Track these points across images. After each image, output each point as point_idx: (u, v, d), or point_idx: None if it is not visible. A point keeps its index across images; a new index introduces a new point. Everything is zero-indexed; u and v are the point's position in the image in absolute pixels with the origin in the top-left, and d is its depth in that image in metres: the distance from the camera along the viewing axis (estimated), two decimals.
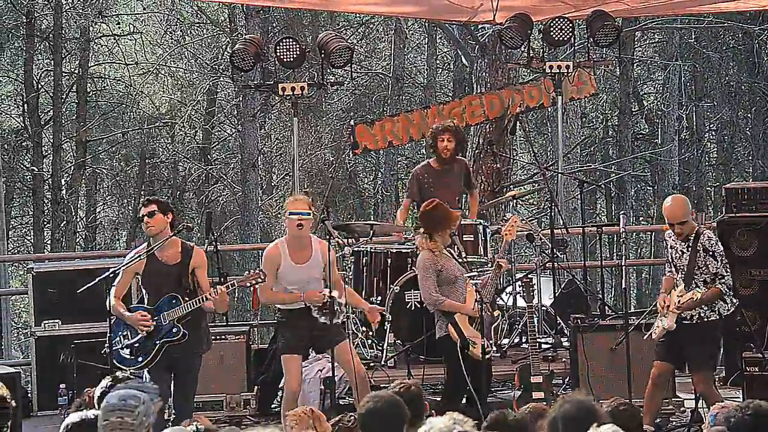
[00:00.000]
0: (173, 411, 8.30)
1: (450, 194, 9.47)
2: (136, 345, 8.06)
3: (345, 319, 9.04)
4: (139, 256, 8.12)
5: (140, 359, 8.05)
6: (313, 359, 9.49)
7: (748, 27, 19.12)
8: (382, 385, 9.30)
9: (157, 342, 8.03)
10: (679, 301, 8.12)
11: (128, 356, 8.07)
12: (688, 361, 8.31)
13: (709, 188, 23.00)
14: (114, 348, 8.08)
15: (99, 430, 5.08)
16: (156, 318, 8.04)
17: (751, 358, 9.08)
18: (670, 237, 8.35)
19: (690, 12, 16.18)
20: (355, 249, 9.92)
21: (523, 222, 10.28)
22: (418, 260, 8.60)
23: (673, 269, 8.32)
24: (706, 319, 8.26)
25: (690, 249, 8.19)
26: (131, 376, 7.18)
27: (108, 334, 8.11)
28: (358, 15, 20.80)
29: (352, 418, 5.81)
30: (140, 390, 5.23)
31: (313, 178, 19.50)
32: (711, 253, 8.21)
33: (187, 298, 8.01)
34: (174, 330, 8.01)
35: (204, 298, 7.96)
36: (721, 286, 8.18)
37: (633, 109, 22.06)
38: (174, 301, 8.02)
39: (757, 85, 20.67)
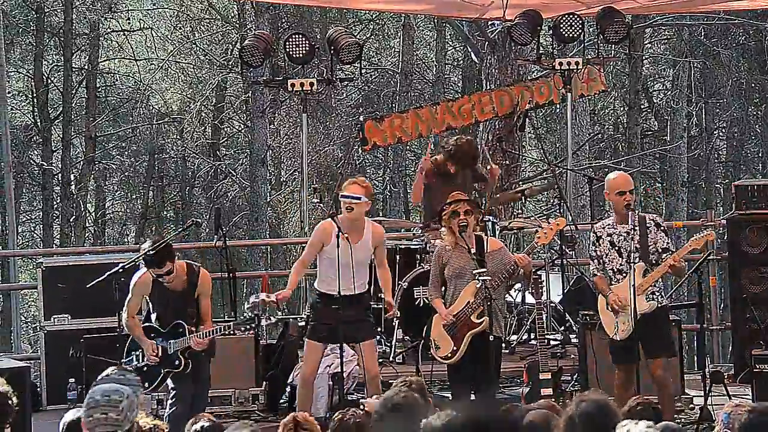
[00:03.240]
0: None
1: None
2: (144, 370, 8.19)
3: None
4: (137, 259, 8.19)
5: (147, 385, 8.16)
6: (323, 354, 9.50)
7: (758, 24, 19.07)
8: (390, 381, 9.33)
9: (162, 371, 8.20)
10: (675, 257, 8.06)
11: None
12: (646, 347, 8.18)
13: (718, 185, 22.95)
14: (128, 365, 8.21)
15: (82, 426, 5.00)
16: (164, 346, 8.17)
17: (761, 356, 9.05)
18: (606, 227, 8.28)
19: (701, 10, 16.16)
20: None
21: (532, 219, 10.26)
22: None
23: (612, 256, 8.19)
24: (660, 305, 8.25)
25: (637, 229, 8.17)
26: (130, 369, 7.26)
27: (121, 341, 8.22)
28: (367, 11, 20.80)
29: (354, 414, 5.79)
30: (124, 384, 5.14)
31: (322, 174, 19.50)
32: (663, 228, 8.26)
33: (192, 328, 8.12)
34: (176, 362, 8.17)
35: (188, 339, 8.10)
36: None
37: (642, 106, 22.01)
38: (180, 330, 8.15)
39: (767, 82, 20.62)
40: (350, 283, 8.19)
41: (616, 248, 8.22)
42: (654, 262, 8.19)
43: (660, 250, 8.21)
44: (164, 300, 8.18)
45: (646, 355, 8.23)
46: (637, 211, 8.40)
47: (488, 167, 10.16)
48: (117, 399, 4.96)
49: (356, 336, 8.34)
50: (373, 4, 14.31)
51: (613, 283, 8.26)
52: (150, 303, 8.29)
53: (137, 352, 8.25)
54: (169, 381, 8.26)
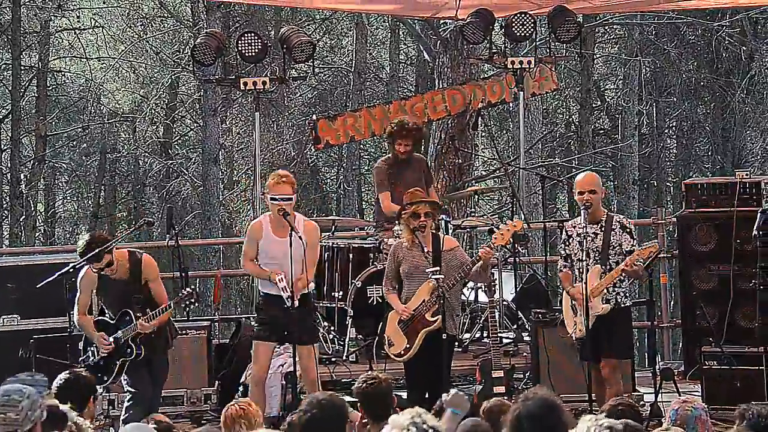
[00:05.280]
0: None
1: (407, 188, 9.45)
2: (101, 364, 8.20)
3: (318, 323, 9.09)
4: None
5: (105, 378, 8.20)
6: (275, 354, 9.46)
7: (707, 23, 19.25)
8: (344, 380, 9.32)
9: (117, 361, 8.18)
10: (628, 262, 8.09)
11: (96, 374, 8.12)
12: (600, 346, 8.21)
13: (668, 183, 23.14)
14: (85, 363, 8.22)
15: None
16: (115, 337, 8.13)
17: (710, 353, 9.12)
18: (575, 226, 8.35)
19: (651, 10, 16.27)
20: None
21: (485, 217, 10.29)
22: None
23: (580, 255, 8.25)
24: (622, 305, 8.32)
25: (603, 230, 8.27)
26: (83, 369, 7.22)
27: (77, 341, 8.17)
28: (320, 10, 20.74)
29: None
30: (28, 384, 5.14)
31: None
32: (629, 230, 8.31)
33: (139, 314, 8.07)
34: (128, 350, 8.13)
35: (135, 326, 8.06)
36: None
37: (594, 105, 22.15)
38: (127, 318, 8.13)
39: (716, 81, 20.80)
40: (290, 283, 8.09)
41: (583, 249, 8.28)
42: (617, 264, 8.24)
43: (625, 252, 8.25)
44: (110, 291, 8.15)
45: (600, 354, 8.28)
46: (605, 211, 8.47)
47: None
48: (17, 399, 4.98)
49: (296, 339, 8.19)
50: (336, 5, 14.28)
51: (577, 282, 8.31)
52: (98, 297, 8.25)
53: (92, 348, 8.22)
54: (125, 383, 8.20)
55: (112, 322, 8.19)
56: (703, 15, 18.93)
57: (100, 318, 8.32)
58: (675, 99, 21.18)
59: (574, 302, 8.32)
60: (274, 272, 8.13)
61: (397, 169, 9.87)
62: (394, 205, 9.61)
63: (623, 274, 8.21)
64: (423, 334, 8.24)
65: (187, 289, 8.21)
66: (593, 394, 8.31)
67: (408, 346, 8.27)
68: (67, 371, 6.51)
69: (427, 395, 8.26)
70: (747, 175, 10.01)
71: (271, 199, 8.18)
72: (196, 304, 8.31)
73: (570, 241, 8.39)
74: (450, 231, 9.99)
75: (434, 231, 8.45)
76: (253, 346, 8.46)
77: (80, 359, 8.24)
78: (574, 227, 8.40)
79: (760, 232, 9.14)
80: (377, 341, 9.19)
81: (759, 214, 9.27)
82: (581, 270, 8.25)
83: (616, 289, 8.28)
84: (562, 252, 8.47)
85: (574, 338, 8.38)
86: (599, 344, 8.22)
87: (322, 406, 5.18)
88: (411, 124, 9.85)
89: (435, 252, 8.25)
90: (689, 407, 6.13)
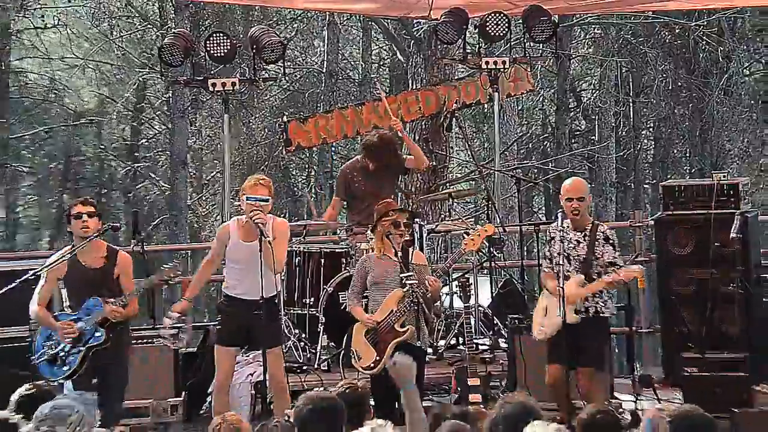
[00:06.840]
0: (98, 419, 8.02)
1: (378, 193, 9.30)
2: (62, 354, 7.89)
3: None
4: (63, 257, 7.87)
5: (66, 368, 7.89)
6: (244, 363, 9.26)
7: (684, 23, 19.17)
8: (315, 389, 9.08)
9: (82, 348, 7.86)
10: (613, 276, 8.02)
11: (54, 366, 7.87)
12: (579, 355, 8.11)
13: (646, 185, 23.05)
14: (40, 359, 7.94)
15: None
16: (79, 324, 7.80)
17: (690, 359, 9.02)
18: (560, 230, 8.24)
19: (627, 10, 16.17)
20: (288, 249, 9.68)
21: (459, 221, 10.17)
22: None
23: (563, 262, 8.12)
24: (601, 314, 8.24)
25: (587, 239, 8.18)
26: (53, 384, 6.98)
27: (31, 340, 7.92)
28: (291, 9, 20.53)
29: (277, 424, 5.61)
30: (76, 401, 5.20)
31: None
32: (612, 242, 8.24)
33: (111, 300, 7.81)
34: (97, 334, 7.84)
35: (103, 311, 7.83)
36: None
37: (570, 106, 22.03)
38: (96, 306, 7.81)
39: (694, 82, 20.71)
40: (258, 287, 7.90)
41: (565, 254, 8.16)
42: (598, 275, 8.16)
43: (606, 264, 8.16)
44: (80, 277, 7.89)
45: (576, 364, 8.15)
46: (591, 220, 8.40)
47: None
48: (66, 413, 5.03)
49: (262, 342, 8.01)
50: (315, 4, 14.13)
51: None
52: (65, 285, 7.98)
53: (48, 342, 7.91)
54: (70, 388, 7.90)
55: (74, 314, 7.90)
56: (680, 15, 18.85)
57: (60, 313, 8.04)
58: (652, 100, 21.08)
59: (547, 304, 8.18)
60: (177, 307, 8.18)
61: (365, 173, 9.77)
62: (333, 213, 10.20)
63: (606, 287, 8.10)
64: (393, 345, 8.04)
65: (169, 264, 8.03)
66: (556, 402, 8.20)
67: (378, 358, 8.06)
68: (28, 385, 6.28)
69: (396, 407, 8.04)
70: (725, 176, 9.89)
71: (247, 199, 7.99)
72: (181, 279, 8.16)
73: (553, 243, 8.30)
74: (425, 235, 9.82)
75: (406, 240, 8.28)
76: (215, 352, 8.24)
77: (34, 358, 7.92)
78: (560, 230, 8.28)
79: (739, 235, 9.06)
80: (343, 354, 8.99)
81: (736, 216, 9.19)
82: (560, 274, 8.10)
83: (595, 298, 8.18)
84: (547, 253, 8.37)
85: (536, 339, 8.32)
86: (571, 353, 8.08)
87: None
88: (381, 146, 9.79)
89: (404, 259, 8.09)
90: (664, 415, 5.96)
